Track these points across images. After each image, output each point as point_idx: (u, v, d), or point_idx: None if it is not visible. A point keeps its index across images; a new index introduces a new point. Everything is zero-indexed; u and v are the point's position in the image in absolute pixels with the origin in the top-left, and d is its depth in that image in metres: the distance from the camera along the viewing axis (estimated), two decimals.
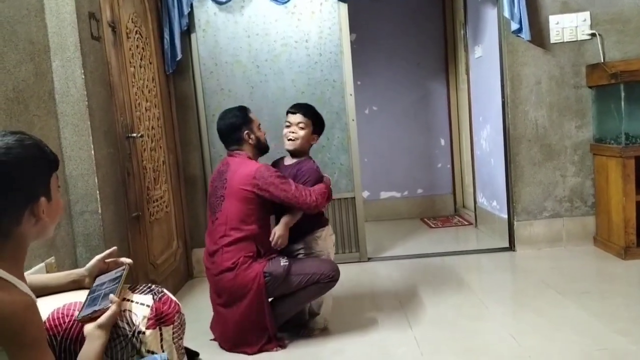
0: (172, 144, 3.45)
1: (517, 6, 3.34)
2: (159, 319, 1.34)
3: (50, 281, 1.48)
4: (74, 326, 1.30)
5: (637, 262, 3.17)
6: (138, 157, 2.83)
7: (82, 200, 2.31)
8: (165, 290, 1.42)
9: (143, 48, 3.06)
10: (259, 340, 2.38)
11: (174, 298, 1.41)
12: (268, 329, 2.37)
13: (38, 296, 1.36)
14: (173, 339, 1.37)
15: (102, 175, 2.38)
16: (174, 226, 3.38)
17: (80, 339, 1.27)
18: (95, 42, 2.43)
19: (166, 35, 3.38)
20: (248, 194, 2.35)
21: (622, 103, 3.23)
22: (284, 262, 2.36)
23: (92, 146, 2.30)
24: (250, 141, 2.48)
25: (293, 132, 2.52)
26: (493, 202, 4.11)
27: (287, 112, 2.59)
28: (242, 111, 2.51)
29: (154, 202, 3.02)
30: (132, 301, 1.35)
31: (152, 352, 1.30)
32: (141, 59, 3.01)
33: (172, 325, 1.36)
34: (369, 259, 3.75)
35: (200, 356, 1.67)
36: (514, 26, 3.38)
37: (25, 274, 1.31)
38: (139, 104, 2.91)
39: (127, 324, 1.30)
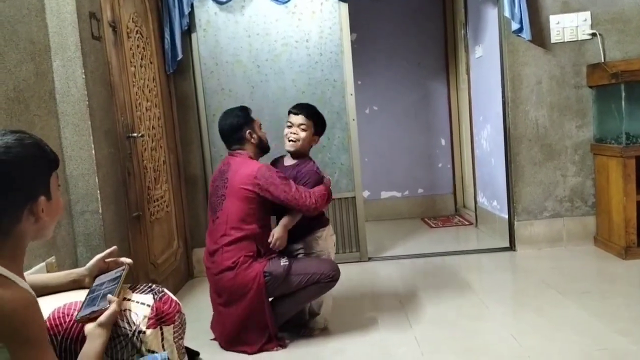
0: (172, 144, 3.46)
1: (517, 6, 3.34)
2: (160, 318, 1.34)
3: (50, 281, 1.48)
4: (75, 326, 1.31)
5: (637, 262, 3.17)
6: (139, 157, 2.83)
7: (83, 200, 2.32)
8: (165, 290, 1.42)
9: (144, 48, 3.06)
10: (259, 339, 2.38)
11: (174, 298, 1.41)
12: (269, 328, 2.37)
13: (38, 296, 1.36)
14: (174, 338, 1.37)
15: (103, 175, 2.38)
16: (175, 226, 3.38)
17: (80, 339, 1.27)
18: (96, 42, 2.43)
19: (167, 35, 3.38)
20: (249, 193, 2.35)
21: (623, 103, 3.23)
22: (284, 261, 2.36)
23: (92, 146, 2.31)
24: (252, 140, 2.49)
25: (294, 134, 2.52)
26: (493, 202, 4.11)
27: (289, 112, 2.58)
28: (244, 111, 2.53)
29: (154, 201, 3.02)
30: (132, 301, 1.36)
31: (153, 352, 1.30)
32: (142, 59, 3.01)
33: (172, 325, 1.36)
34: (370, 259, 3.76)
35: (201, 356, 1.67)
36: (515, 26, 3.38)
37: (26, 273, 1.31)
38: (139, 103, 2.91)
39: (128, 323, 1.30)
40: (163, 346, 1.34)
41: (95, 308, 1.28)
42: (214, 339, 2.51)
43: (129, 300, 1.36)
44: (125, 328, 1.30)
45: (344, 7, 3.56)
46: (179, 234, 3.45)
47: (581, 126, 3.55)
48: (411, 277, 3.30)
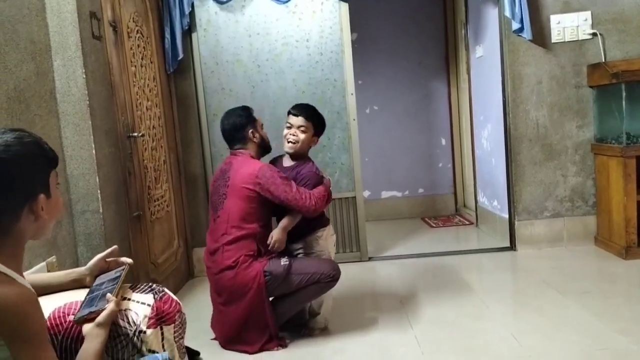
0: (173, 143, 3.46)
1: (518, 5, 3.34)
2: (160, 318, 1.34)
3: (51, 280, 1.48)
4: (75, 325, 1.31)
5: (638, 262, 3.17)
6: (139, 157, 2.83)
7: (83, 199, 2.32)
8: (166, 290, 1.42)
9: (144, 47, 3.06)
10: (259, 339, 2.38)
11: (174, 297, 1.42)
12: (269, 328, 2.37)
13: (39, 295, 1.36)
14: (174, 338, 1.37)
15: (103, 174, 2.38)
16: (175, 225, 3.38)
17: (81, 338, 1.27)
18: (97, 42, 2.43)
19: (167, 35, 3.38)
20: (250, 192, 2.35)
21: (623, 103, 3.23)
22: (284, 261, 2.36)
23: (93, 145, 2.31)
24: (255, 140, 2.50)
25: (294, 135, 2.50)
26: (494, 202, 4.11)
27: (289, 113, 2.57)
28: (246, 110, 2.54)
29: (154, 201, 3.02)
30: (133, 300, 1.36)
31: (154, 352, 1.30)
32: (142, 59, 3.01)
33: (173, 325, 1.36)
34: (370, 259, 3.76)
35: (201, 355, 1.67)
36: (515, 26, 3.38)
37: (26, 273, 1.31)
38: (140, 103, 2.91)
39: (128, 323, 1.30)
40: (163, 346, 1.34)
41: (93, 308, 1.28)
42: (215, 339, 2.51)
43: (129, 299, 1.36)
44: (125, 328, 1.30)
45: (345, 6, 3.56)
46: (180, 233, 3.45)
47: (582, 126, 3.55)
48: (411, 277, 3.30)
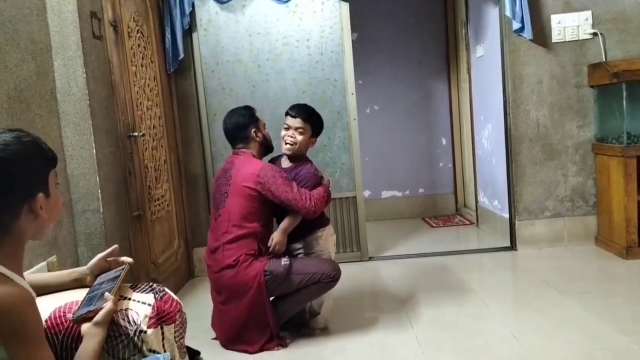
0: (173, 143, 3.46)
1: (518, 5, 3.33)
2: (161, 317, 1.34)
3: (52, 280, 1.49)
4: (75, 324, 1.31)
5: (638, 262, 3.17)
6: (139, 156, 2.83)
7: (84, 199, 2.32)
8: (166, 289, 1.42)
9: (144, 47, 3.07)
10: (260, 339, 2.38)
11: (175, 297, 1.42)
12: (270, 327, 2.37)
13: (40, 295, 1.36)
14: (175, 337, 1.37)
15: (104, 174, 2.38)
16: (175, 225, 3.38)
17: (81, 338, 1.27)
18: (97, 41, 2.43)
19: (168, 35, 3.39)
20: (251, 191, 2.35)
21: (624, 102, 3.22)
22: (284, 261, 2.36)
23: (93, 145, 2.31)
24: (257, 139, 2.50)
25: (291, 137, 2.49)
26: (494, 202, 4.11)
27: (286, 114, 2.55)
28: (249, 110, 2.54)
29: (155, 201, 3.02)
30: (133, 300, 1.36)
31: (154, 351, 1.30)
32: (142, 58, 3.01)
33: (173, 324, 1.36)
34: (370, 259, 3.76)
35: (202, 355, 1.67)
36: (516, 25, 3.38)
37: (27, 272, 1.31)
38: (140, 103, 2.91)
39: (129, 322, 1.30)
40: (164, 345, 1.34)
41: (91, 307, 1.28)
42: (215, 338, 2.52)
43: (130, 299, 1.36)
44: (126, 327, 1.30)
45: (345, 6, 3.56)
46: (180, 233, 3.45)
47: (582, 126, 3.55)
48: (412, 277, 3.30)
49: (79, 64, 2.26)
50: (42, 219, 1.18)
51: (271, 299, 2.40)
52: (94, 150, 2.31)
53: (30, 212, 1.15)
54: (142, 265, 2.75)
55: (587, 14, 3.47)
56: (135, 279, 2.52)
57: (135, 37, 2.93)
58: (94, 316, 1.26)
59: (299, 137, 2.49)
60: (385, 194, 5.21)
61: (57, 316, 1.33)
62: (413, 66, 5.08)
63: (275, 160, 2.65)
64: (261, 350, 2.37)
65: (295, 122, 2.49)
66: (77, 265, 2.19)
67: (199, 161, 3.63)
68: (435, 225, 4.75)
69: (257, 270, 2.31)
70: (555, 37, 3.49)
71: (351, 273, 3.37)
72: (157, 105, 3.19)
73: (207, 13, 3.56)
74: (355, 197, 3.70)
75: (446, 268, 3.42)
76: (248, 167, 2.39)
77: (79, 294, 1.40)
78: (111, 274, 1.45)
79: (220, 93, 3.61)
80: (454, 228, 4.63)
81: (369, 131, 4.97)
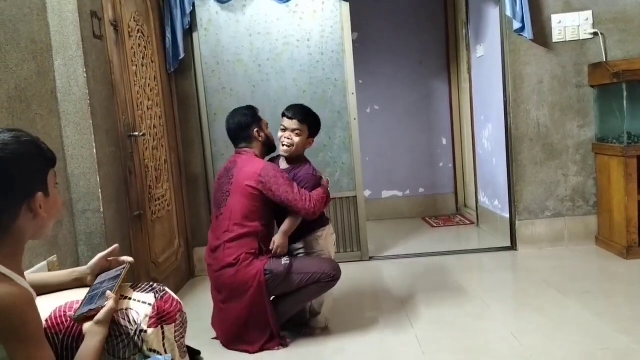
0: (173, 143, 3.46)
1: (519, 5, 3.33)
2: (161, 317, 1.34)
3: (52, 279, 1.49)
4: (76, 324, 1.31)
5: (639, 262, 3.17)
6: (140, 156, 2.83)
7: (84, 198, 2.32)
8: (167, 289, 1.42)
9: (145, 47, 3.07)
10: (260, 338, 2.38)
11: (175, 297, 1.42)
12: (270, 327, 2.37)
13: (40, 294, 1.37)
14: (175, 337, 1.37)
15: (104, 174, 2.38)
16: (176, 225, 3.38)
17: (82, 337, 1.27)
18: (97, 41, 2.44)
19: (168, 34, 3.39)
20: (253, 190, 2.36)
21: (625, 102, 3.22)
22: (285, 260, 2.36)
23: (94, 145, 2.31)
24: (260, 139, 2.51)
25: (288, 138, 2.48)
26: (495, 202, 4.11)
27: (283, 115, 2.54)
28: (252, 110, 2.55)
29: (155, 200, 3.02)
30: (134, 299, 1.36)
31: (154, 351, 1.31)
32: (143, 58, 3.01)
33: (174, 324, 1.36)
34: (371, 258, 3.76)
35: (202, 355, 1.67)
36: (516, 25, 3.37)
37: (27, 272, 1.31)
38: (140, 102, 2.91)
39: (129, 322, 1.30)
40: (164, 345, 1.34)
41: (92, 306, 1.29)
42: (215, 338, 2.52)
43: (130, 299, 1.36)
44: (126, 327, 1.30)
45: (345, 6, 3.56)
46: (180, 233, 3.45)
47: (583, 126, 3.55)
48: (412, 277, 3.30)
49: (80, 64, 2.27)
50: (41, 218, 1.18)
51: (271, 298, 2.40)
52: (95, 150, 2.31)
53: (29, 211, 1.16)
54: (143, 265, 2.75)
55: (588, 13, 3.46)
56: (135, 279, 2.52)
57: (136, 36, 2.93)
58: (95, 315, 1.26)
59: (296, 139, 2.48)
60: (386, 193, 5.21)
61: (58, 316, 1.33)
62: (413, 66, 5.08)
63: (272, 161, 2.64)
64: (261, 350, 2.38)
65: (292, 123, 2.49)
66: (78, 265, 2.19)
67: (200, 161, 3.63)
68: (435, 225, 4.75)
69: (257, 269, 2.32)
70: (556, 37, 3.49)
71: (351, 273, 3.37)
72: (157, 105, 3.19)
73: (208, 13, 3.56)
74: (355, 196, 3.70)
75: (446, 268, 3.42)
76: (250, 167, 2.40)
77: (80, 294, 1.40)
78: (112, 273, 1.45)
79: (220, 93, 3.61)
80: (455, 228, 4.63)
81: (370, 131, 4.97)
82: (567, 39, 3.49)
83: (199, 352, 1.65)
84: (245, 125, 2.49)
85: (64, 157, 2.28)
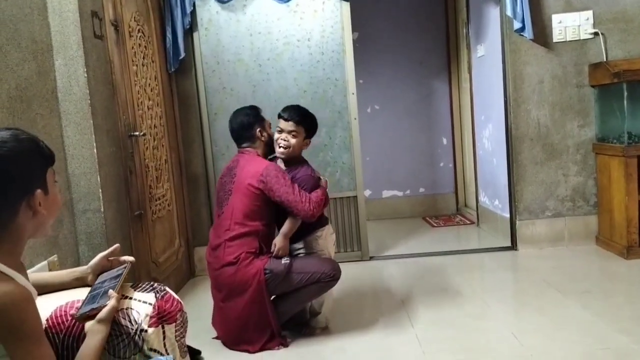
0: (174, 143, 3.46)
1: (519, 5, 3.33)
2: (162, 317, 1.34)
3: (53, 279, 1.49)
4: (77, 323, 1.31)
5: (639, 262, 3.16)
6: (140, 156, 2.83)
7: (85, 198, 2.32)
8: (167, 289, 1.42)
9: (145, 47, 3.07)
10: (260, 338, 2.38)
11: (176, 296, 1.42)
12: (271, 326, 2.38)
13: (41, 294, 1.37)
14: (175, 337, 1.37)
15: (105, 173, 2.38)
16: (176, 224, 3.38)
17: (82, 336, 1.27)
18: (98, 41, 2.44)
19: (168, 34, 3.39)
20: (255, 190, 2.36)
21: (625, 102, 3.22)
22: (285, 259, 2.37)
23: (94, 144, 2.31)
24: (263, 138, 2.52)
25: (285, 140, 2.48)
26: (495, 201, 4.11)
27: (279, 116, 2.53)
28: (254, 110, 2.56)
29: (156, 200, 3.03)
30: (134, 299, 1.36)
31: (155, 350, 1.31)
32: (143, 58, 3.02)
33: (174, 324, 1.36)
34: (371, 258, 3.76)
35: (202, 354, 1.67)
36: (517, 25, 3.37)
37: (28, 272, 1.31)
38: (141, 102, 2.91)
39: (130, 322, 1.31)
40: (165, 345, 1.34)
41: (94, 305, 1.29)
42: (216, 338, 2.52)
43: (131, 298, 1.36)
44: (127, 327, 1.30)
45: (346, 5, 3.56)
46: (181, 232, 3.45)
47: (583, 125, 3.55)
48: (412, 277, 3.30)
49: (80, 64, 2.27)
50: (41, 215, 1.19)
51: (272, 298, 2.40)
52: (95, 150, 2.31)
53: (29, 208, 1.16)
54: (143, 265, 2.75)
55: (588, 13, 3.46)
56: (136, 279, 2.53)
57: (136, 36, 2.93)
58: (97, 314, 1.27)
59: (292, 140, 2.48)
60: (386, 193, 5.21)
61: (58, 315, 1.33)
62: (414, 66, 5.08)
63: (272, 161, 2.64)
64: (262, 349, 2.38)
65: (288, 125, 2.48)
66: (78, 265, 2.20)
67: (200, 161, 3.63)
68: (436, 225, 4.75)
69: (257, 268, 2.32)
70: (556, 37, 3.49)
71: (352, 272, 3.37)
72: (158, 105, 3.19)
73: (208, 12, 3.56)
74: (356, 196, 3.70)
75: (447, 268, 3.42)
76: (252, 166, 2.41)
77: (80, 293, 1.40)
78: (113, 272, 1.45)
79: (221, 92, 3.61)
80: (455, 228, 4.63)
81: (370, 131, 4.98)
82: (568, 39, 3.49)
83: (199, 352, 1.65)
84: (247, 125, 2.50)
85: (65, 157, 2.28)
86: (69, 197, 2.29)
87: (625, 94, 3.22)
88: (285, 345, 2.42)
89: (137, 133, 2.77)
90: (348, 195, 3.69)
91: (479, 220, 4.54)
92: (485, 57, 4.13)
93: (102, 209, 2.33)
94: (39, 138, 1.22)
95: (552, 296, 2.77)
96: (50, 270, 2.00)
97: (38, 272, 1.75)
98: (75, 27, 2.25)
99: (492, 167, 4.15)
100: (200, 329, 2.55)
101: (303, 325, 2.57)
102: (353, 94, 3.63)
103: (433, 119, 5.15)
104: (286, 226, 2.44)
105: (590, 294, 2.76)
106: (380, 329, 2.54)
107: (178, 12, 3.39)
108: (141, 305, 1.34)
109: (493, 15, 3.85)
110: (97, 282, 1.43)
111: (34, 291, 1.21)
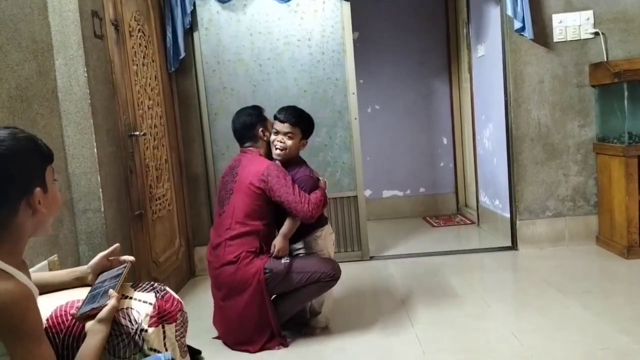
0: (174, 142, 3.46)
1: (520, 5, 3.33)
2: (162, 317, 1.34)
3: (53, 279, 1.49)
4: (77, 323, 1.31)
5: (639, 262, 3.16)
6: (141, 155, 2.83)
7: (85, 198, 2.32)
8: (167, 288, 1.42)
9: (146, 46, 3.07)
10: (260, 338, 2.38)
11: (176, 296, 1.42)
12: (271, 326, 2.38)
13: (41, 293, 1.37)
14: (176, 337, 1.37)
15: (105, 173, 2.38)
16: (177, 224, 3.38)
17: (82, 336, 1.28)
18: (98, 41, 2.44)
19: (169, 34, 3.39)
20: (256, 190, 2.37)
21: (625, 102, 3.22)
22: (285, 259, 2.37)
23: (94, 144, 2.31)
24: (265, 138, 2.52)
25: (281, 142, 2.47)
26: (495, 201, 4.11)
27: (275, 117, 2.52)
28: (257, 110, 2.56)
29: (156, 200, 3.03)
30: (134, 299, 1.36)
31: (155, 350, 1.31)
32: (144, 57, 3.01)
33: (174, 324, 1.36)
34: (371, 258, 3.76)
35: (203, 354, 1.67)
36: (517, 25, 3.37)
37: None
38: (141, 102, 2.91)
39: (130, 321, 1.31)
40: (165, 344, 1.34)
41: (95, 305, 1.29)
42: (216, 337, 2.52)
43: (131, 298, 1.36)
44: (127, 326, 1.30)
45: (346, 5, 3.56)
46: (181, 232, 3.45)
47: (583, 125, 3.54)
48: (413, 276, 3.30)
49: (80, 63, 2.27)
50: (41, 214, 1.19)
51: (272, 298, 2.40)
52: (95, 150, 2.31)
53: (28, 207, 1.16)
54: (143, 265, 2.75)
55: (589, 13, 3.46)
56: (136, 278, 2.53)
57: (137, 36, 2.93)
58: (97, 313, 1.27)
59: (289, 142, 2.47)
60: (386, 193, 5.21)
61: (59, 315, 1.33)
62: (414, 65, 5.08)
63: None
64: (262, 349, 2.38)
65: (284, 127, 2.47)
66: (78, 265, 2.20)
67: (200, 160, 3.63)
68: (436, 224, 4.75)
69: (257, 267, 2.32)
70: (557, 37, 3.49)
71: (352, 272, 3.37)
72: (158, 105, 3.19)
73: (209, 12, 3.56)
74: (356, 196, 3.70)
75: (447, 268, 3.42)
76: (254, 166, 2.41)
77: (80, 293, 1.40)
78: (113, 272, 1.45)
79: (221, 92, 3.61)
80: (455, 228, 4.63)
81: (370, 130, 4.98)
82: (568, 39, 3.49)
83: (199, 352, 1.65)
84: (250, 124, 2.51)
85: (65, 157, 2.28)
86: (69, 196, 2.29)
87: (626, 93, 3.22)
88: (285, 345, 2.42)
89: (137, 133, 2.77)
90: (348, 195, 3.69)
91: (479, 220, 4.54)
92: (486, 56, 4.12)
93: (102, 209, 2.33)
94: (37, 137, 1.22)
95: (553, 296, 2.77)
96: (50, 269, 2.01)
97: (38, 272, 1.75)
98: (75, 27, 2.25)
99: (492, 167, 4.15)
100: (201, 329, 2.55)
101: (303, 325, 2.57)
102: (353, 93, 3.62)
103: (433, 118, 5.15)
104: (285, 227, 2.44)
105: (590, 294, 2.76)
106: (380, 329, 2.54)
107: (178, 12, 3.39)
108: (141, 305, 1.34)
109: (493, 15, 3.85)
110: (97, 281, 1.43)
111: (35, 290, 1.21)
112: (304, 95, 3.58)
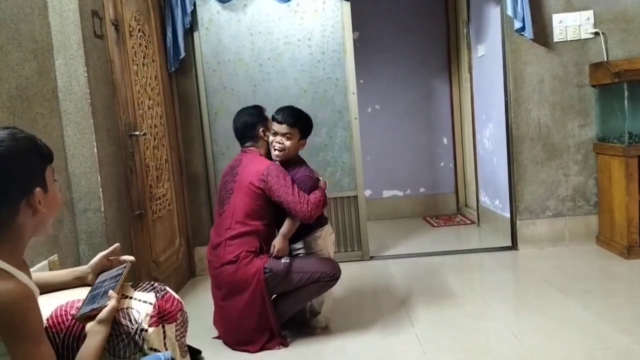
0: (174, 142, 3.46)
1: (520, 4, 3.33)
2: (162, 316, 1.34)
3: (53, 278, 1.49)
4: (77, 323, 1.31)
5: (639, 262, 3.16)
6: (141, 155, 2.83)
7: (85, 198, 2.32)
8: (167, 288, 1.42)
9: (146, 46, 3.07)
10: (260, 338, 2.38)
11: (176, 296, 1.42)
12: (271, 326, 2.38)
13: (41, 293, 1.37)
14: (176, 336, 1.37)
15: (105, 173, 2.38)
16: (177, 224, 3.38)
17: (83, 336, 1.28)
18: (98, 40, 2.44)
19: (169, 34, 3.39)
20: (256, 189, 2.37)
21: (626, 102, 3.22)
22: (285, 259, 2.37)
23: (95, 144, 2.31)
24: (266, 138, 2.53)
25: (280, 143, 2.46)
26: (495, 201, 4.11)
27: (273, 118, 2.51)
28: (257, 110, 2.56)
29: (156, 200, 3.03)
30: (135, 299, 1.36)
31: (155, 350, 1.31)
32: (144, 57, 3.01)
33: (175, 323, 1.37)
34: (371, 258, 3.76)
35: (203, 354, 1.67)
36: (517, 25, 3.37)
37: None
38: (141, 102, 2.91)
39: (130, 321, 1.31)
40: (165, 344, 1.34)
41: (95, 305, 1.29)
42: (217, 337, 2.52)
43: (131, 298, 1.36)
44: (127, 326, 1.30)
45: (346, 5, 3.56)
46: (181, 232, 3.45)
47: (583, 125, 3.54)
48: (413, 276, 3.30)
49: (81, 63, 2.27)
50: (41, 213, 1.19)
51: (272, 298, 2.40)
52: (95, 150, 2.31)
53: (28, 207, 1.16)
54: (144, 264, 2.75)
55: (589, 13, 3.46)
56: (136, 278, 2.53)
57: (137, 36, 2.93)
58: (97, 314, 1.27)
59: (287, 143, 2.46)
60: (387, 193, 5.21)
61: (59, 315, 1.33)
62: (414, 65, 5.08)
63: None
64: (262, 349, 2.38)
65: (282, 127, 2.46)
66: (78, 264, 2.20)
67: (200, 160, 3.63)
68: (436, 224, 4.75)
69: (257, 267, 2.32)
70: (557, 37, 3.49)
71: (352, 272, 3.37)
72: (158, 105, 3.19)
73: (209, 12, 3.56)
74: (356, 196, 3.70)
75: (447, 268, 3.42)
76: (254, 165, 2.41)
77: (80, 293, 1.41)
78: (113, 272, 1.45)
79: (221, 92, 3.61)
80: (455, 227, 4.63)
81: (370, 130, 4.97)
82: (568, 39, 3.49)
83: (199, 352, 1.65)
84: (251, 124, 2.51)
85: (65, 157, 2.28)
86: (70, 196, 2.29)
87: (626, 93, 3.22)
88: (285, 345, 2.42)
89: (137, 132, 2.77)
90: (348, 195, 3.69)
91: (479, 220, 4.54)
92: (486, 56, 4.12)
93: (102, 209, 2.33)
94: (36, 137, 1.22)
95: (553, 296, 2.77)
96: (50, 269, 2.01)
97: (38, 272, 1.75)
98: (75, 27, 2.25)
99: (492, 166, 4.15)
100: (201, 329, 2.55)
101: (303, 325, 2.57)
102: (353, 93, 3.62)
103: (433, 118, 5.15)
104: (285, 227, 2.44)
105: (590, 293, 2.76)
106: (380, 329, 2.54)
107: (178, 12, 3.39)
108: (141, 305, 1.34)
109: (493, 14, 3.84)
110: (97, 281, 1.43)
111: (36, 289, 1.21)
112: (304, 95, 3.58)
